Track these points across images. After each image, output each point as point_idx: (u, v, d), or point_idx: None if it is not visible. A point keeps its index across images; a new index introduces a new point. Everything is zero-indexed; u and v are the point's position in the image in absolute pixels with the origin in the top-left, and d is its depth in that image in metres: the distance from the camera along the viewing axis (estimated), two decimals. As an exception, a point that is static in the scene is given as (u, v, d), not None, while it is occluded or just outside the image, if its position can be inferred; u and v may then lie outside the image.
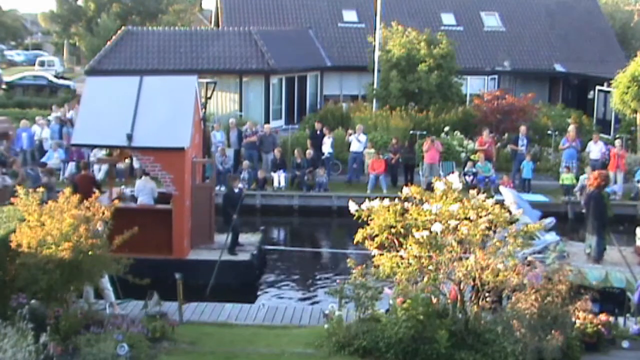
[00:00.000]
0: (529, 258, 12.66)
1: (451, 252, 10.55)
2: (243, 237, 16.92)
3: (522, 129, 24.50)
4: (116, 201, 13.97)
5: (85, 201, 15.44)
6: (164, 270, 15.07)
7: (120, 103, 15.62)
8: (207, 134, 19.21)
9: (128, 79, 16.75)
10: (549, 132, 26.66)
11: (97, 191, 12.84)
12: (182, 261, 15.66)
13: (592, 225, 15.27)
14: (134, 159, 19.75)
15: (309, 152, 23.27)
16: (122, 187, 16.93)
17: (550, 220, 15.66)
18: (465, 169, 23.03)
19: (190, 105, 15.94)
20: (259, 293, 15.98)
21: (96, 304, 12.14)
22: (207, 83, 19.03)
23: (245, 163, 22.46)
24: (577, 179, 22.18)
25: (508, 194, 16.06)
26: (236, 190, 16.91)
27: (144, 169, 16.64)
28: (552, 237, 15.39)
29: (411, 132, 25.46)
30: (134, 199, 16.90)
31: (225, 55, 30.45)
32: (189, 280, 15.07)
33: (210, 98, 18.97)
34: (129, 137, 15.14)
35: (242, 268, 15.91)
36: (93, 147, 18.37)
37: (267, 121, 29.06)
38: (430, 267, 10.64)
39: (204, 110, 17.73)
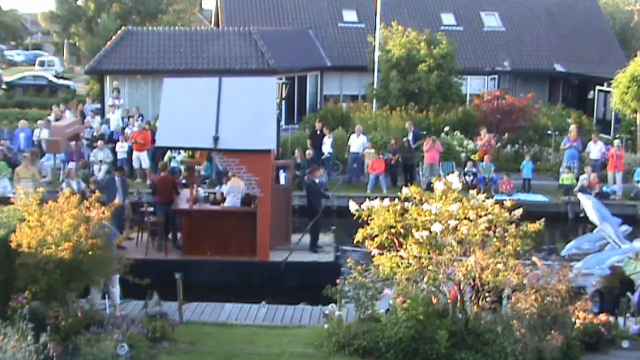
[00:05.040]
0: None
1: (451, 252, 10.56)
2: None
3: (407, 124, 24.84)
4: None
5: (165, 201, 15.74)
6: (251, 273, 15.41)
7: (201, 105, 15.46)
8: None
9: (206, 80, 16.58)
10: (549, 132, 26.67)
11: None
12: (267, 263, 15.59)
13: None
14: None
15: (309, 152, 23.24)
16: (197, 188, 16.88)
17: (627, 228, 15.45)
18: (465, 169, 23.03)
19: (273, 107, 15.89)
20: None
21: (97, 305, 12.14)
22: (282, 83, 18.84)
23: None
24: (577, 179, 22.18)
25: (587, 202, 15.67)
26: (317, 181, 16.94)
27: (228, 170, 16.58)
28: None
29: (411, 132, 25.50)
30: (207, 200, 16.87)
31: (225, 55, 30.45)
32: (274, 282, 15.25)
33: (284, 98, 18.80)
34: (216, 140, 15.02)
35: (328, 269, 15.69)
36: (178, 149, 18.29)
37: (267, 121, 29.01)
38: (430, 267, 10.65)
39: (278, 111, 17.62)
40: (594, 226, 17.83)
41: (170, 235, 16.47)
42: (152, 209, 16.81)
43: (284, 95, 18.74)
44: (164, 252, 15.92)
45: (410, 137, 24.23)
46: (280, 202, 16.37)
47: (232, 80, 16.53)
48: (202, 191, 17.31)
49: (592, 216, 15.14)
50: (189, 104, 15.54)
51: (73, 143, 23.59)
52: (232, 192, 16.26)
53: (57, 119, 26.57)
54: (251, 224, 15.50)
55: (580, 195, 16.52)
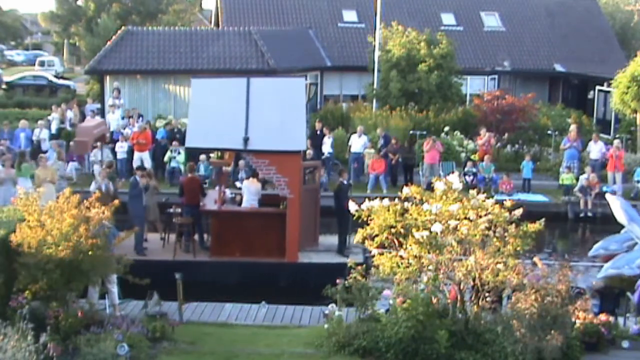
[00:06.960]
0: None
1: (451, 252, 10.56)
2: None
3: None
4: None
5: (192, 202, 15.64)
6: (280, 274, 15.28)
7: (229, 105, 15.39)
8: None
9: (234, 81, 16.51)
10: (549, 132, 26.66)
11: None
12: (296, 264, 15.47)
13: None
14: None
15: (309, 152, 23.23)
16: (223, 189, 16.83)
17: None
18: (466, 169, 23.02)
19: (302, 107, 15.83)
20: None
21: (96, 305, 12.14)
22: (309, 84, 18.69)
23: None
24: (577, 179, 22.17)
25: (615, 203, 15.56)
26: (345, 182, 16.90)
27: (253, 171, 16.52)
28: None
29: (411, 132, 25.48)
30: (234, 201, 16.82)
31: (225, 55, 30.41)
32: (301, 284, 15.09)
33: (311, 100, 18.64)
34: (246, 141, 14.98)
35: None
36: (208, 150, 18.21)
37: (267, 121, 28.99)
38: (430, 267, 10.65)
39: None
40: (593, 226, 17.85)
41: (196, 237, 16.34)
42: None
43: (311, 96, 18.58)
44: (192, 254, 15.84)
45: (381, 141, 24.32)
46: (308, 203, 16.27)
47: (261, 80, 16.47)
48: (228, 192, 17.23)
49: (620, 216, 15.05)
50: (217, 104, 15.46)
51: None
52: (246, 191, 16.20)
53: (61, 120, 26.58)
54: (280, 225, 15.38)
55: (608, 196, 16.41)
